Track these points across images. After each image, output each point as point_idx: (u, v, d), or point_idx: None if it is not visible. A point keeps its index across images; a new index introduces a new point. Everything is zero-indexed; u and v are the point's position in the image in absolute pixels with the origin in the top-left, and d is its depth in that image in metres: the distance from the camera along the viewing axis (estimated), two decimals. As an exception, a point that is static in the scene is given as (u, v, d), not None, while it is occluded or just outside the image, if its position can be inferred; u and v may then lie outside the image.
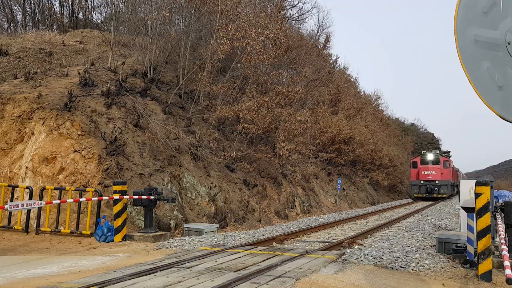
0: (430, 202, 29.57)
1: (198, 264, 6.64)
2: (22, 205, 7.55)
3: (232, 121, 17.54)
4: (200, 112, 16.67)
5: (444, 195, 32.67)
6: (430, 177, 32.91)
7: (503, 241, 5.02)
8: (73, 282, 5.51)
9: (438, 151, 36.00)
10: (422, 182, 33.08)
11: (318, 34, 38.55)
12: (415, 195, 33.56)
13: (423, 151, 35.87)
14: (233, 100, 17.31)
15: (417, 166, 34.21)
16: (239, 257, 7.24)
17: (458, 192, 43.38)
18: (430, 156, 33.93)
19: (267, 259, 7.11)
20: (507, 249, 4.80)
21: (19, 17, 25.42)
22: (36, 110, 11.85)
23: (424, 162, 33.92)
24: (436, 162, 33.62)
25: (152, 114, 13.99)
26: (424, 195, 32.78)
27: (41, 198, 9.77)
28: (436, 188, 32.58)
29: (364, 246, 8.96)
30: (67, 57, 17.44)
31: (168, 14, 16.29)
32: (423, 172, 33.33)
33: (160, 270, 6.15)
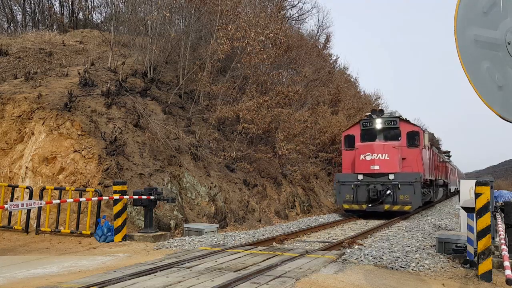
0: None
1: (198, 264, 6.64)
2: (22, 205, 7.55)
3: (232, 121, 17.54)
4: (200, 112, 16.67)
5: (407, 207, 15.09)
6: (377, 167, 15.65)
7: (503, 241, 5.02)
8: (73, 282, 5.51)
9: (397, 112, 18.17)
10: (360, 178, 15.85)
11: (318, 34, 38.55)
12: (345, 205, 16.19)
13: (366, 114, 18.39)
14: (233, 100, 17.32)
15: (354, 144, 17.09)
16: (239, 257, 7.24)
17: (447, 196, 28.15)
18: (378, 123, 16.73)
19: (267, 259, 7.11)
20: (507, 249, 4.80)
21: (19, 17, 25.45)
22: (36, 110, 11.85)
23: (367, 135, 16.86)
24: (391, 135, 16.62)
25: (152, 114, 13.99)
26: (365, 205, 15.57)
27: (41, 198, 9.77)
28: (387, 192, 15.19)
29: (364, 246, 8.96)
30: (67, 57, 17.44)
31: (168, 14, 16.30)
32: (362, 157, 15.92)
33: (160, 270, 6.15)
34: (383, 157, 15.63)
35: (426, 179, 17.00)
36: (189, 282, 5.43)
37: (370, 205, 15.31)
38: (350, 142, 17.32)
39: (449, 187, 28.47)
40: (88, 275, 6.04)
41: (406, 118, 17.07)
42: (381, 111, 17.50)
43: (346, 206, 16.11)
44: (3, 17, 24.79)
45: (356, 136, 17.13)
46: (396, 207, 15.09)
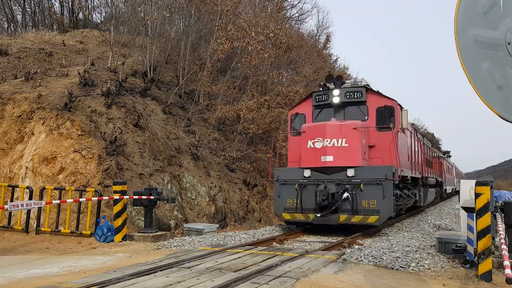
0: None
1: (198, 264, 6.64)
2: (22, 205, 7.55)
3: (232, 121, 17.55)
4: (200, 112, 16.67)
5: (373, 218, 10.03)
6: (330, 159, 10.74)
7: (503, 241, 5.02)
8: (73, 282, 5.50)
9: (363, 81, 12.88)
10: (306, 175, 11.03)
11: (318, 34, 38.54)
12: (286, 215, 11.12)
13: (321, 83, 12.61)
14: (233, 100, 17.33)
15: (301, 126, 11.88)
16: (239, 257, 7.24)
17: (442, 197, 24.65)
18: (336, 96, 11.84)
19: (267, 259, 7.11)
20: (507, 249, 4.80)
21: (19, 17, 25.47)
22: (36, 110, 11.86)
23: (321, 113, 12.24)
24: (355, 113, 11.80)
25: (152, 114, 13.99)
26: (312, 214, 10.61)
27: (41, 198, 9.78)
28: (344, 195, 10.40)
29: (364, 246, 8.96)
30: (67, 57, 17.44)
31: (168, 14, 16.32)
32: (310, 144, 11.07)
33: (160, 270, 6.15)
34: (340, 144, 10.72)
35: (407, 176, 12.46)
36: (189, 282, 5.43)
37: (318, 215, 10.41)
38: (299, 124, 12.26)
39: (444, 187, 24.23)
40: (88, 275, 6.04)
41: (378, 91, 12.03)
42: (340, 78, 12.13)
43: (286, 216, 11.05)
44: (3, 17, 24.82)
45: (307, 115, 12.31)
46: (356, 219, 10.13)
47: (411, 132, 14.11)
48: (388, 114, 11.50)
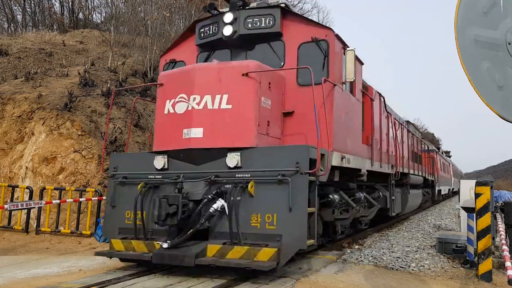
0: None
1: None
2: (22, 205, 7.56)
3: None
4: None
5: (265, 253, 5.12)
6: (198, 134, 5.78)
7: (504, 241, 5.02)
8: (73, 282, 5.50)
9: (279, 0, 6.94)
10: (159, 166, 6.12)
11: (318, 34, 38.49)
12: (117, 243, 6.12)
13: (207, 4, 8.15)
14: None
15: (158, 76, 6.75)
16: (239, 257, 7.22)
17: (433, 201, 21.25)
18: (228, 24, 6.74)
19: (267, 259, 7.09)
20: (508, 249, 4.80)
21: (19, 17, 25.52)
22: (36, 110, 11.86)
23: (210, 57, 7.21)
24: (260, 56, 6.66)
25: (152, 114, 13.99)
26: (158, 244, 5.62)
27: (41, 198, 9.78)
28: (214, 207, 5.36)
29: (364, 246, 8.96)
30: (67, 57, 17.45)
31: (168, 14, 16.33)
32: (169, 108, 6.12)
33: (160, 270, 6.15)
34: (216, 105, 5.98)
35: (360, 170, 7.90)
36: (189, 282, 5.43)
37: (165, 245, 5.54)
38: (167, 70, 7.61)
39: (437, 188, 20.09)
40: (88, 275, 6.04)
41: (305, 16, 6.59)
42: None
43: (118, 246, 6.21)
44: (3, 17, 24.86)
45: (189, 62, 7.50)
46: (235, 253, 5.37)
47: (371, 100, 9.10)
48: (318, 55, 6.61)
